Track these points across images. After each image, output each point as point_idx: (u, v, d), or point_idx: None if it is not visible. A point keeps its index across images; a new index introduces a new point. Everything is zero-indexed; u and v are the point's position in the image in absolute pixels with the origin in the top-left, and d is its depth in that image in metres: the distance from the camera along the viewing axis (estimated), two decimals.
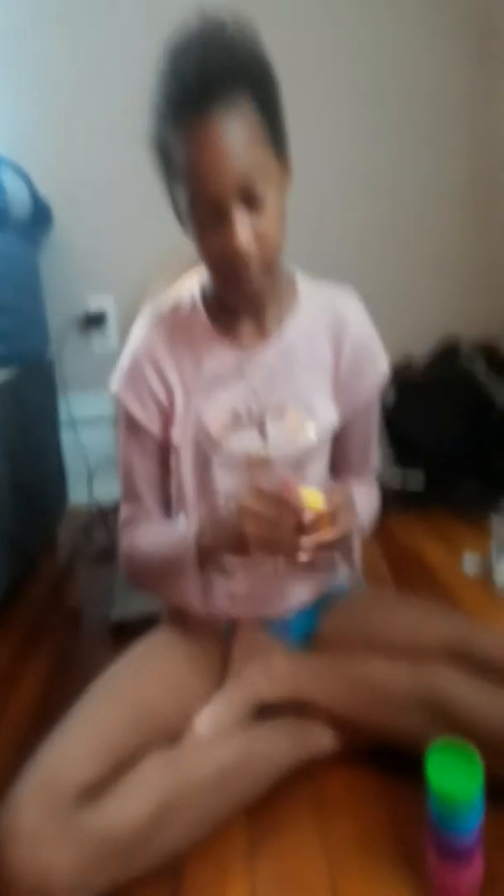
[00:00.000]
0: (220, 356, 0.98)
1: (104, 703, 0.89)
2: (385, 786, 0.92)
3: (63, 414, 2.04)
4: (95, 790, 0.77)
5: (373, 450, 1.12)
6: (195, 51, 0.78)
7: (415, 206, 2.12)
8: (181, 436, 0.99)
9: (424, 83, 2.05)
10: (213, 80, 0.78)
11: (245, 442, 0.98)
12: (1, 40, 1.99)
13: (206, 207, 0.81)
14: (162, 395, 0.98)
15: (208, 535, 0.92)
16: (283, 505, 0.83)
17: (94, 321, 2.15)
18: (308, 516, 0.82)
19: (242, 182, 0.80)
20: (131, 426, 1.01)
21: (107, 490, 2.08)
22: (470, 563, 1.51)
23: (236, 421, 0.98)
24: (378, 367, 1.04)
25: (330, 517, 0.84)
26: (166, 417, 0.99)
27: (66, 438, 2.04)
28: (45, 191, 1.93)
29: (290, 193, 0.90)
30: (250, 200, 0.81)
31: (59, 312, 2.08)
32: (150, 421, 0.99)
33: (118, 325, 2.16)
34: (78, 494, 2.06)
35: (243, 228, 0.81)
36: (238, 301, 0.93)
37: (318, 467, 1.05)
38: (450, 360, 1.99)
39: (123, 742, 0.84)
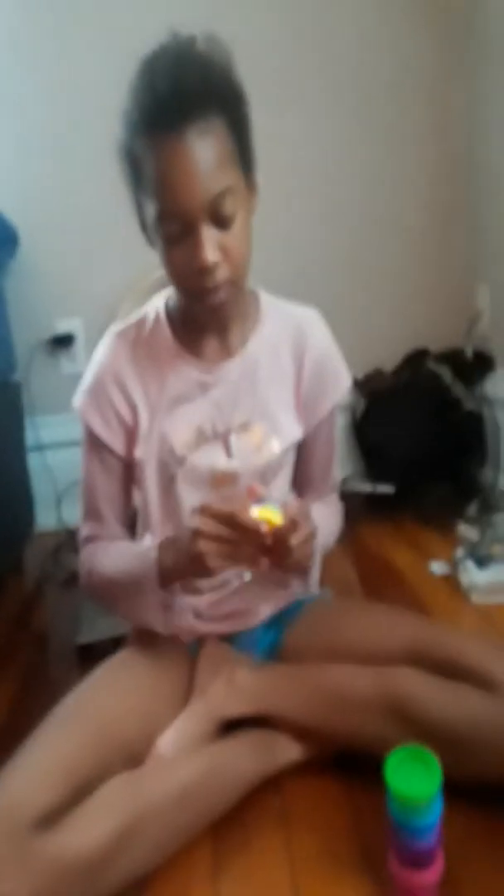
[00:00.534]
0: (184, 373, 0.97)
1: (65, 726, 0.87)
2: (350, 795, 0.91)
3: (30, 437, 2.02)
4: (56, 815, 0.75)
5: (333, 466, 1.12)
6: (170, 67, 0.79)
7: (381, 227, 2.13)
8: (145, 453, 0.98)
9: (390, 103, 2.08)
10: (187, 99, 0.78)
11: (210, 458, 0.98)
12: None
13: (174, 222, 0.82)
14: (125, 413, 0.97)
15: (169, 555, 0.90)
16: (236, 523, 0.82)
17: (61, 343, 2.14)
18: (265, 529, 0.81)
19: (212, 201, 0.80)
20: (94, 444, 1.00)
21: (75, 514, 2.05)
22: (437, 568, 1.51)
23: (200, 437, 0.97)
24: (339, 383, 1.05)
25: (287, 530, 0.83)
26: (130, 435, 0.99)
27: (34, 461, 2.02)
28: (11, 214, 1.93)
29: (257, 212, 0.91)
30: (218, 219, 0.82)
31: (26, 335, 2.07)
32: (112, 439, 0.98)
33: (86, 348, 2.16)
34: (46, 518, 2.04)
35: (210, 243, 0.82)
36: (203, 316, 0.93)
37: (281, 483, 1.05)
38: (416, 365, 2.00)
39: (84, 765, 0.81)
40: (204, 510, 0.85)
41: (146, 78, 0.80)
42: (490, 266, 2.01)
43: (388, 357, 2.05)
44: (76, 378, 2.09)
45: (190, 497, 0.98)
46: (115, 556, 0.99)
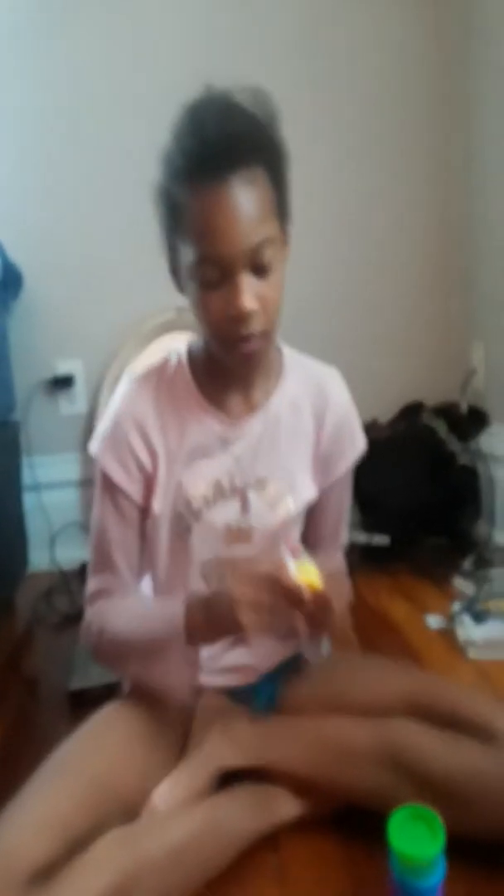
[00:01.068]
0: (206, 425, 0.96)
1: (59, 779, 0.85)
2: (349, 852, 0.89)
3: (27, 476, 2.02)
4: (50, 869, 0.73)
5: (343, 525, 1.11)
6: (219, 116, 0.80)
7: (381, 282, 2.17)
8: (161, 503, 0.96)
9: (388, 164, 2.14)
10: (236, 148, 0.79)
11: (226, 513, 0.97)
12: None
13: (213, 268, 0.82)
14: (145, 459, 0.95)
15: (198, 617, 0.86)
16: (279, 588, 0.80)
17: (61, 384, 2.16)
18: (307, 595, 0.79)
19: (253, 250, 0.81)
20: (110, 490, 0.97)
21: (69, 555, 2.05)
22: (433, 622, 1.51)
23: (218, 492, 0.96)
24: (356, 445, 1.05)
25: (329, 594, 0.80)
26: (148, 482, 0.96)
27: (29, 501, 2.01)
28: (16, 256, 1.96)
29: None
30: (257, 267, 0.83)
31: (26, 375, 2.08)
32: (130, 485, 0.96)
33: (86, 390, 2.18)
34: (39, 559, 2.02)
35: (248, 291, 0.82)
36: (233, 364, 0.91)
37: (293, 540, 1.04)
38: (412, 418, 2.03)
39: (80, 819, 0.80)
40: (241, 574, 0.82)
41: (193, 124, 0.81)
42: (485, 325, 2.06)
43: (384, 409, 2.08)
44: (75, 419, 2.16)
45: (202, 550, 0.98)
46: (132, 615, 0.95)
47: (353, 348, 2.15)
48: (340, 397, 1.04)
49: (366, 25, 2.07)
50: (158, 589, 1.03)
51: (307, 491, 1.02)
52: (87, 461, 2.17)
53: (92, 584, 1.00)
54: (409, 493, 1.87)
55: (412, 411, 2.08)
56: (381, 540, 1.82)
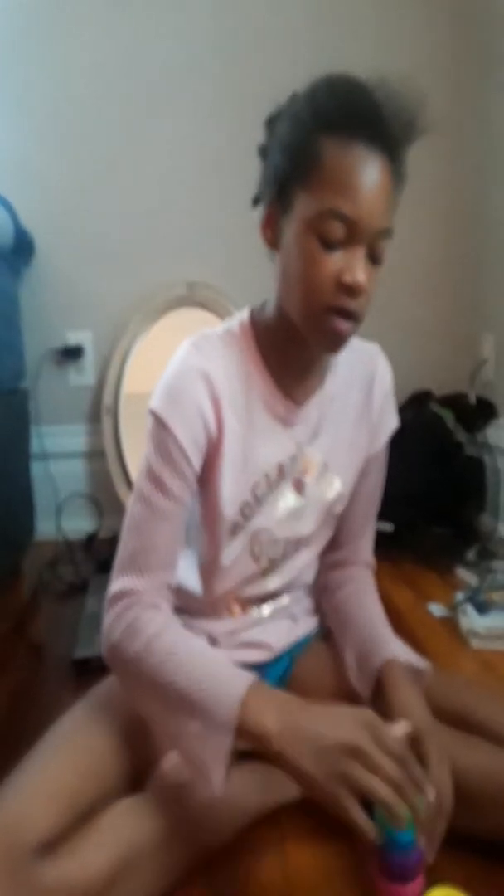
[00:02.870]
0: (271, 404, 0.91)
1: (65, 749, 0.84)
2: (344, 829, 0.90)
3: (34, 445, 2.02)
4: (56, 841, 0.73)
5: (371, 526, 1.10)
6: (392, 93, 0.77)
7: (394, 273, 2.12)
8: (231, 483, 0.89)
9: None
10: (403, 131, 0.77)
11: (284, 496, 0.96)
12: None
13: (340, 226, 0.77)
14: (210, 416, 0.86)
15: (268, 717, 0.72)
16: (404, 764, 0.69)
17: (70, 354, 2.16)
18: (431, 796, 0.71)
19: (379, 232, 0.78)
20: (168, 456, 0.85)
21: (75, 526, 2.07)
22: (436, 610, 1.52)
23: (280, 475, 0.94)
24: (393, 421, 1.04)
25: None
26: (210, 445, 0.88)
27: (36, 470, 2.02)
28: (29, 223, 1.95)
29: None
30: (374, 252, 0.80)
31: (36, 343, 2.09)
32: (193, 445, 0.85)
33: (95, 361, 2.18)
34: (45, 527, 2.04)
35: (365, 267, 0.79)
36: (317, 340, 0.84)
37: (327, 534, 1.04)
38: (420, 406, 2.04)
39: (86, 791, 0.80)
40: (382, 739, 0.69)
41: (367, 90, 0.77)
42: (496, 316, 2.06)
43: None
44: (83, 389, 2.17)
45: (258, 533, 0.95)
46: (186, 656, 0.79)
47: (364, 335, 2.14)
48: (384, 369, 1.02)
49: (378, 45, 2.05)
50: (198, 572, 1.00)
51: (355, 470, 1.01)
52: (94, 433, 2.17)
53: (120, 581, 0.85)
54: (414, 481, 1.87)
55: (420, 400, 2.08)
56: (384, 526, 1.83)
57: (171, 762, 0.90)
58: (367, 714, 0.72)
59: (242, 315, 0.93)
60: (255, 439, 0.91)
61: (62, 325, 2.16)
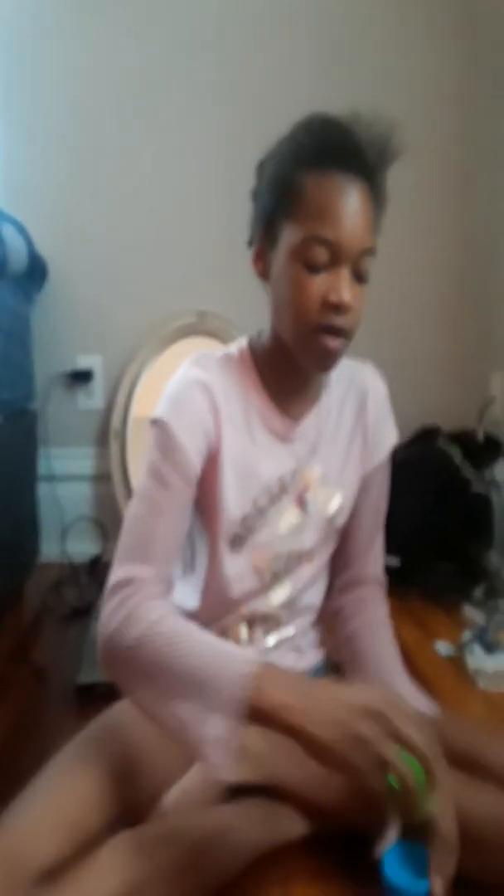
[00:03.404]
0: (269, 421, 0.95)
1: (68, 778, 0.84)
2: (351, 870, 0.88)
3: (42, 467, 2.02)
4: (57, 870, 0.73)
5: (377, 546, 1.11)
6: (366, 124, 0.84)
7: (403, 310, 2.18)
8: (234, 493, 0.93)
9: (413, 190, 2.15)
10: (381, 161, 0.85)
11: (285, 511, 0.97)
12: (2, 95, 2.04)
13: (323, 251, 0.82)
14: (210, 424, 0.90)
15: (278, 692, 0.71)
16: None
17: (80, 378, 2.17)
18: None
19: (362, 252, 0.84)
20: (170, 455, 0.87)
21: (80, 549, 2.06)
22: (443, 649, 1.51)
23: (281, 489, 0.96)
24: (392, 434, 1.06)
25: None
26: (210, 453, 0.91)
27: (43, 491, 2.02)
28: (43, 248, 1.97)
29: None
30: (357, 272, 0.85)
31: (46, 366, 2.10)
32: (194, 448, 0.88)
33: (104, 385, 2.19)
34: (50, 549, 2.03)
35: (350, 286, 0.84)
36: (309, 360, 0.89)
37: (329, 548, 1.05)
38: (427, 441, 2.04)
39: (88, 821, 0.80)
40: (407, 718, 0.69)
41: (333, 123, 0.85)
42: None
43: (399, 432, 2.08)
44: (91, 414, 2.17)
45: (261, 547, 0.97)
46: (186, 640, 0.78)
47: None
48: (377, 382, 1.05)
49: (392, 61, 2.07)
50: (198, 586, 1.01)
51: (354, 486, 1.03)
52: (101, 456, 2.18)
53: (119, 571, 0.85)
54: (421, 516, 1.87)
55: (428, 435, 2.08)
56: (391, 561, 1.82)
57: (173, 796, 0.89)
58: (386, 691, 0.75)
59: (241, 342, 0.99)
60: (255, 453, 0.94)
61: (73, 348, 2.17)
